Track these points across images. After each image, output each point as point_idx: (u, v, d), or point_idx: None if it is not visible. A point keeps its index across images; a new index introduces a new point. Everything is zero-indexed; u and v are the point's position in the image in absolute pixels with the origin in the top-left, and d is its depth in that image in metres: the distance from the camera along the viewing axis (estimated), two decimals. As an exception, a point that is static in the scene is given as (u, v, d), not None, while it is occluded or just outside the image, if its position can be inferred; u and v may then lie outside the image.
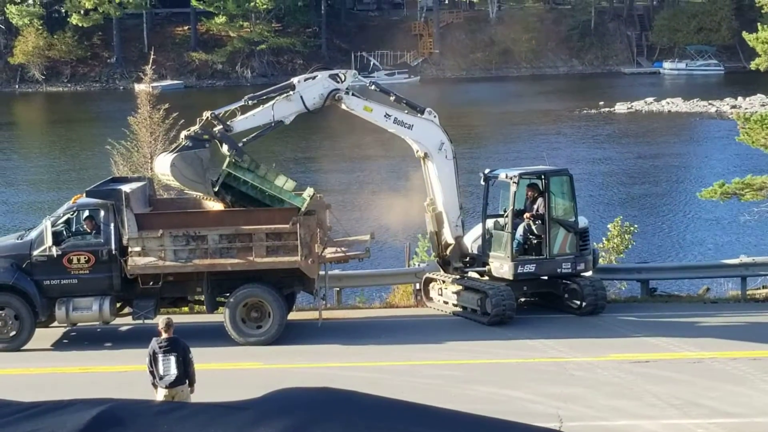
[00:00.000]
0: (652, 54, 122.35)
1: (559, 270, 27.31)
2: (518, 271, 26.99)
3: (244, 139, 26.61)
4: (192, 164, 25.62)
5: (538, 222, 27.29)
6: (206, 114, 26.34)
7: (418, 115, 27.42)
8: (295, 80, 27.08)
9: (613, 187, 57.63)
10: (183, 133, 26.34)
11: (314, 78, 27.03)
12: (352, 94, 27.03)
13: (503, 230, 27.32)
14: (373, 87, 28.11)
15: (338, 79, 27.02)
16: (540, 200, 27.48)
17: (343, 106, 27.03)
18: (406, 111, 27.45)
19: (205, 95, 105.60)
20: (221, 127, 26.17)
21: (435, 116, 27.44)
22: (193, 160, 25.66)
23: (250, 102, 26.70)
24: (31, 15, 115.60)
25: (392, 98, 27.67)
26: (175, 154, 25.76)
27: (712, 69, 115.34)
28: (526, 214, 27.44)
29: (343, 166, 66.09)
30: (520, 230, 27.40)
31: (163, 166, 26.03)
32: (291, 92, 26.74)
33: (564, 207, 27.66)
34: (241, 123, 26.54)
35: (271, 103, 26.72)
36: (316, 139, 74.33)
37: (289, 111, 26.80)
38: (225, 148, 26.09)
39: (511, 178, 27.33)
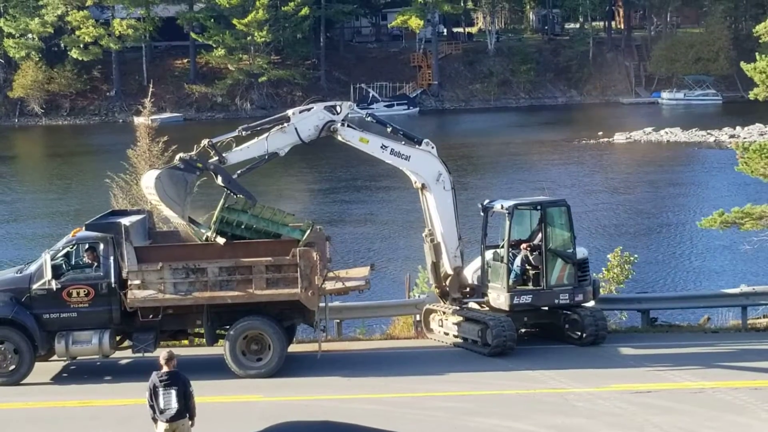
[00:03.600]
0: (651, 84, 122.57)
1: (556, 301, 27.26)
2: (514, 302, 26.94)
3: (239, 171, 26.68)
4: (176, 184, 25.81)
5: (536, 253, 27.27)
6: (204, 142, 26.46)
7: (416, 146, 27.43)
8: (290, 112, 27.15)
9: (613, 217, 57.59)
10: (179, 155, 26.49)
11: (310, 110, 27.09)
12: (348, 126, 27.06)
13: (501, 261, 27.30)
14: (369, 118, 28.17)
15: (334, 111, 27.08)
16: (537, 231, 27.50)
17: (339, 138, 27.07)
18: (402, 142, 27.47)
19: (205, 128, 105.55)
20: (216, 159, 26.26)
21: (432, 147, 27.45)
22: (178, 180, 25.87)
23: (243, 132, 26.81)
24: (30, 48, 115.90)
25: (389, 129, 27.70)
26: (163, 170, 26.03)
27: (711, 99, 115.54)
28: (523, 245, 27.44)
29: (342, 197, 66.17)
30: (518, 261, 27.39)
31: (148, 178, 26.25)
32: (286, 124, 26.81)
33: (562, 238, 27.63)
34: (236, 155, 26.62)
35: (265, 135, 26.77)
36: (315, 171, 74.39)
37: (284, 143, 26.85)
38: (219, 180, 26.22)
39: (506, 209, 27.34)
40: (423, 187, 27.54)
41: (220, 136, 26.83)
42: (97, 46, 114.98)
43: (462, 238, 27.77)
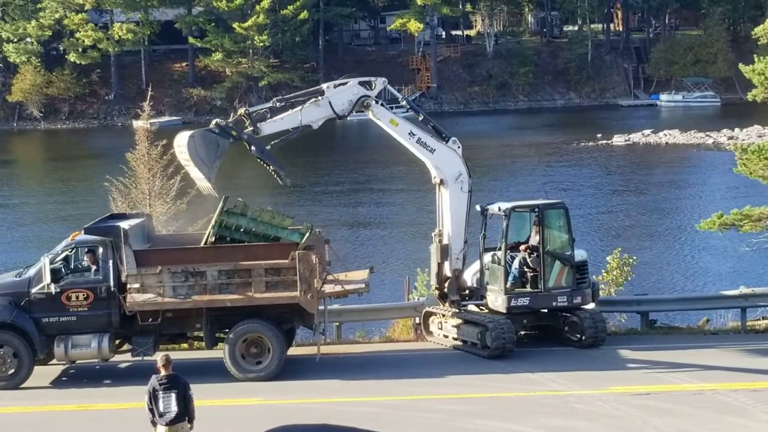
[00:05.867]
0: (649, 86, 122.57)
1: (554, 303, 27.25)
2: (511, 304, 26.93)
3: (273, 142, 26.95)
4: (208, 145, 26.11)
5: (534, 255, 27.26)
6: (241, 110, 26.90)
7: (443, 141, 27.51)
8: (324, 86, 27.39)
9: (612, 219, 57.61)
10: (215, 120, 26.75)
11: (345, 84, 27.22)
12: (381, 104, 27.24)
13: (499, 263, 27.29)
14: (404, 102, 28.34)
15: (368, 87, 27.25)
16: (535, 233, 27.52)
17: (370, 115, 27.25)
18: (431, 135, 27.56)
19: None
20: (251, 129, 26.46)
21: (459, 147, 27.60)
22: (210, 142, 26.17)
23: (278, 104, 27.24)
24: (29, 53, 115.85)
25: (420, 118, 27.83)
26: (198, 130, 26.31)
27: (709, 101, 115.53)
28: (522, 247, 27.45)
29: (342, 199, 66.19)
30: (516, 263, 27.38)
31: (182, 137, 26.39)
32: (320, 97, 27.00)
33: (560, 240, 27.61)
34: (270, 126, 26.92)
35: (299, 107, 26.97)
36: (316, 173, 74.38)
37: (318, 116, 27.14)
38: (253, 150, 26.55)
39: (503, 212, 27.35)
40: (441, 183, 27.61)
41: (256, 107, 27.25)
42: (96, 50, 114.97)
43: (468, 242, 27.79)
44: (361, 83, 27.43)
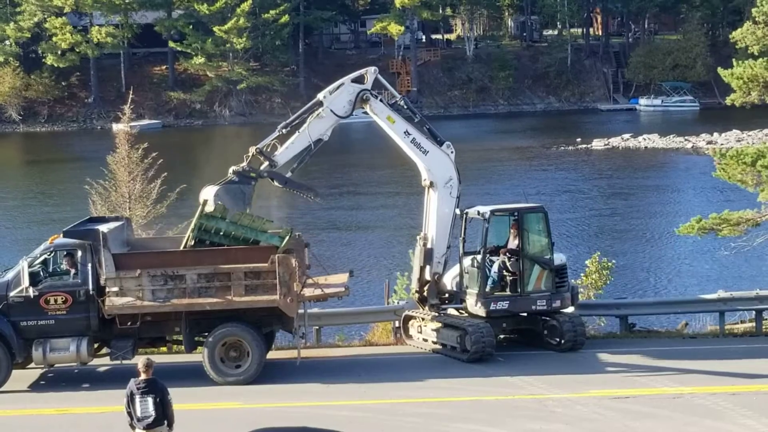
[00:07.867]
0: (628, 91, 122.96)
1: (533, 307, 27.30)
2: (491, 308, 26.97)
3: (293, 167, 27.17)
4: (234, 197, 26.14)
5: (513, 258, 27.31)
6: (252, 150, 26.89)
7: (437, 145, 27.57)
8: (321, 96, 27.43)
9: (591, 223, 57.74)
10: (231, 168, 26.72)
11: (339, 87, 27.27)
12: (380, 100, 27.37)
13: (479, 267, 27.32)
14: (402, 102, 28.34)
15: (361, 81, 27.43)
16: (514, 237, 27.56)
17: (368, 109, 27.42)
18: (426, 136, 27.62)
19: (183, 134, 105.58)
20: (267, 164, 26.62)
21: (452, 151, 27.74)
22: (236, 194, 26.20)
23: (284, 131, 27.28)
24: (7, 55, 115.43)
25: (417, 119, 27.87)
26: (220, 186, 26.26)
27: (688, 105, 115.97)
28: (501, 250, 27.49)
29: (321, 203, 66.00)
30: (495, 267, 27.42)
31: (207, 195, 26.35)
32: (320, 109, 27.10)
33: (539, 244, 27.67)
34: (283, 154, 27.08)
35: (305, 126, 27.05)
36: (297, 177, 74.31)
37: (325, 127, 27.30)
38: (276, 183, 26.82)
39: (483, 215, 27.40)
40: (431, 185, 27.67)
41: (264, 141, 27.27)
42: (74, 53, 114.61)
43: (450, 247, 27.82)
44: (354, 80, 27.53)
